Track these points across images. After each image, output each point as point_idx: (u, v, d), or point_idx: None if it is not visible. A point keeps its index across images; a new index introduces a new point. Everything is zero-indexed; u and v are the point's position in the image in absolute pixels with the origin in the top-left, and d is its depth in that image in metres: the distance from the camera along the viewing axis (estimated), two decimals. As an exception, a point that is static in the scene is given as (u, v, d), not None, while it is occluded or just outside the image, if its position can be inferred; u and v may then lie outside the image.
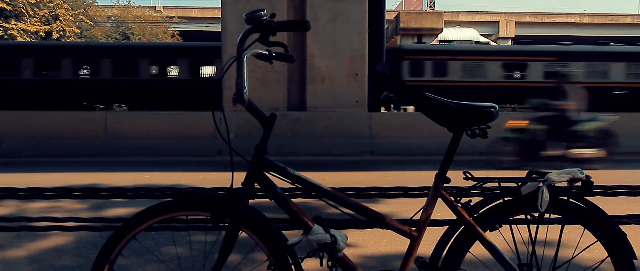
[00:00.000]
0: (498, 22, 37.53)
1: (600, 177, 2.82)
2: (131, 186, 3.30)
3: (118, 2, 42.27)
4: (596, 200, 1.55)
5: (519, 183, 1.50)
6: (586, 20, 38.09)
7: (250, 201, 1.43)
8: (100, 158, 7.81)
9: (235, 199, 1.41)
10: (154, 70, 17.56)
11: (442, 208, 1.56)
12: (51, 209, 3.82)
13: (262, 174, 1.44)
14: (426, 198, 1.52)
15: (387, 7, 11.49)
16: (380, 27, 10.70)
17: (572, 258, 1.63)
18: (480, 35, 29.33)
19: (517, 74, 18.14)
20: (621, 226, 1.50)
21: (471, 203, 1.50)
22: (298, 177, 1.45)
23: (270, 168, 1.45)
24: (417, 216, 1.52)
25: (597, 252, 1.51)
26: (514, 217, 1.52)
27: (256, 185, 1.45)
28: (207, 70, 17.87)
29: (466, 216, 1.48)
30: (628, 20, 38.14)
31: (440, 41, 25.04)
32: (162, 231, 2.82)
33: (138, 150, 7.97)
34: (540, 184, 1.47)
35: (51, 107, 14.94)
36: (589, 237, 1.50)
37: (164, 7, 38.30)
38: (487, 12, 38.43)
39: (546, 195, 1.45)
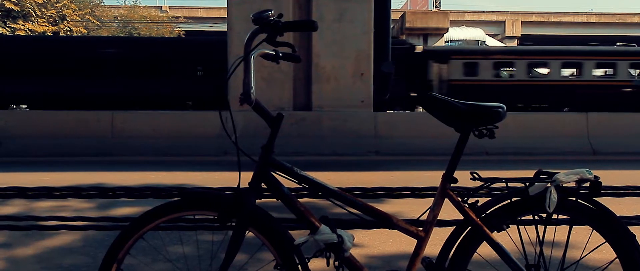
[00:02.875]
0: (504, 22, 37.39)
1: (609, 177, 2.80)
2: (138, 186, 3.31)
3: (124, 3, 42.44)
4: (605, 200, 1.54)
5: (527, 184, 1.49)
6: (593, 19, 37.85)
7: (257, 201, 1.44)
8: (107, 157, 7.85)
9: (242, 199, 1.42)
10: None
11: (449, 208, 1.55)
12: (59, 208, 3.84)
13: (269, 174, 1.44)
14: (433, 198, 1.51)
15: (392, 7, 11.46)
16: (386, 27, 10.66)
17: (580, 259, 1.63)
18: (486, 34, 29.22)
19: None
20: (630, 227, 1.49)
21: (478, 204, 1.50)
22: (305, 176, 1.45)
23: (277, 168, 1.45)
24: (424, 217, 1.51)
25: (606, 253, 1.50)
26: (522, 218, 1.51)
27: (263, 185, 1.45)
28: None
29: (473, 216, 1.48)
30: (636, 19, 37.84)
31: (446, 41, 24.94)
32: (170, 231, 2.84)
33: (145, 150, 8.00)
34: (548, 184, 1.46)
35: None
36: (597, 238, 1.49)
37: (170, 7, 38.46)
38: (493, 12, 38.29)
39: (554, 195, 1.44)
